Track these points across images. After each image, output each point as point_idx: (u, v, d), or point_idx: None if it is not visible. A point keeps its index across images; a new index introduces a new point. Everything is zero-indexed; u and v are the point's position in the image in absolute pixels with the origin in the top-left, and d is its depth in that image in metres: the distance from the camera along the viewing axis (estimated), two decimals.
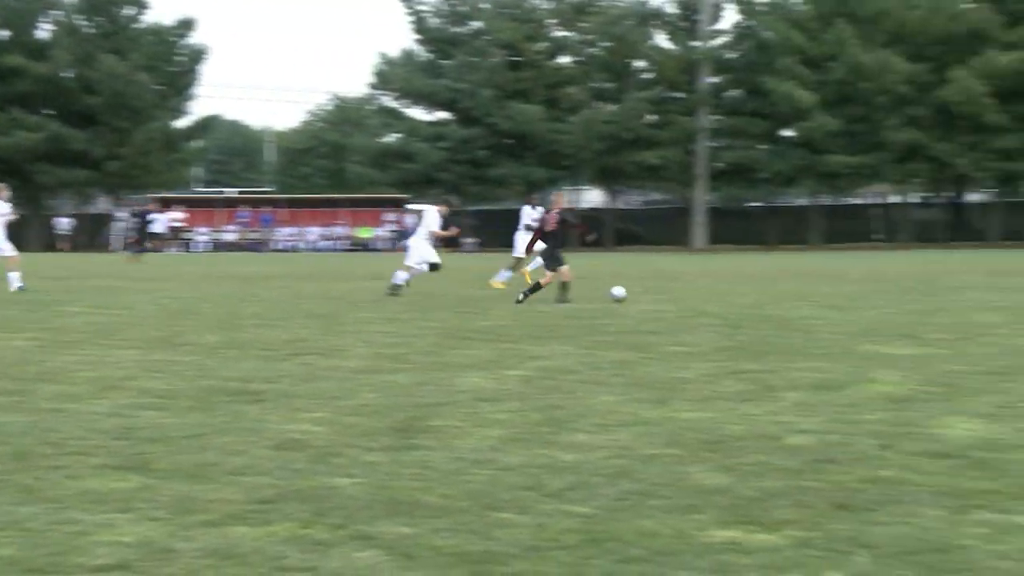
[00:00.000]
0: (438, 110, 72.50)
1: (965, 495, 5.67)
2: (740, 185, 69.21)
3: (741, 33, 68.08)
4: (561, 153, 66.75)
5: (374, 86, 73.41)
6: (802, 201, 72.66)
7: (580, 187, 78.72)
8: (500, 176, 67.95)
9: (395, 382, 9.79)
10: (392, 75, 71.51)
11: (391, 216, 70.36)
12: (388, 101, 73.92)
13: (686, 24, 68.50)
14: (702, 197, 67.90)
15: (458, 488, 5.88)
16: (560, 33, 70.81)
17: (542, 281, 19.32)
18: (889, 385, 9.40)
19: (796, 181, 66.70)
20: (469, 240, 67.65)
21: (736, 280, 23.87)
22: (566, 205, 20.11)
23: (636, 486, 5.91)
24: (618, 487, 5.89)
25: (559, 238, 19.54)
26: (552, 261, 19.27)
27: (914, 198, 72.91)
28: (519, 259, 24.72)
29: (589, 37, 69.38)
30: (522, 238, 24.56)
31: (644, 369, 10.58)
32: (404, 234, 68.78)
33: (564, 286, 19.11)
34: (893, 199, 74.33)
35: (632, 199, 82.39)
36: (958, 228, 67.83)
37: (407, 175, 69.33)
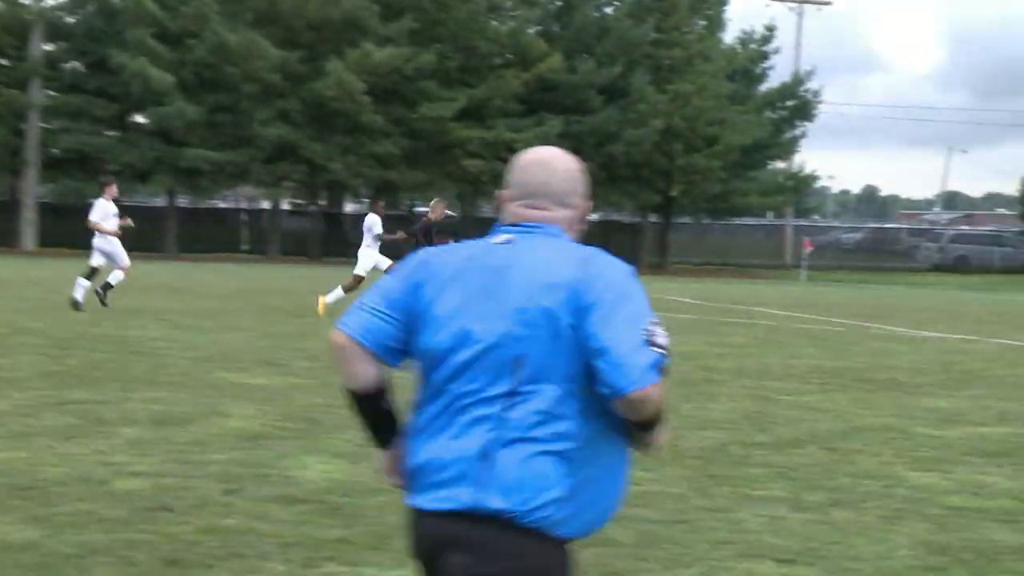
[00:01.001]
0: None
1: (315, 546, 5.94)
2: (81, 177, 67.60)
3: None
4: None
5: None
6: (158, 201, 72.47)
7: None
8: None
9: None
10: None
11: None
12: None
13: None
14: (33, 189, 65.86)
15: None
16: None
17: None
18: (242, 420, 9.64)
19: (151, 176, 66.37)
20: None
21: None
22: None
23: None
24: None
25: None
26: None
27: (287, 205, 75.17)
28: (361, 277, 22.08)
29: None
30: (368, 253, 22.29)
31: None
32: None
33: None
34: (264, 205, 76.15)
35: None
36: (333, 240, 70.86)
37: None
